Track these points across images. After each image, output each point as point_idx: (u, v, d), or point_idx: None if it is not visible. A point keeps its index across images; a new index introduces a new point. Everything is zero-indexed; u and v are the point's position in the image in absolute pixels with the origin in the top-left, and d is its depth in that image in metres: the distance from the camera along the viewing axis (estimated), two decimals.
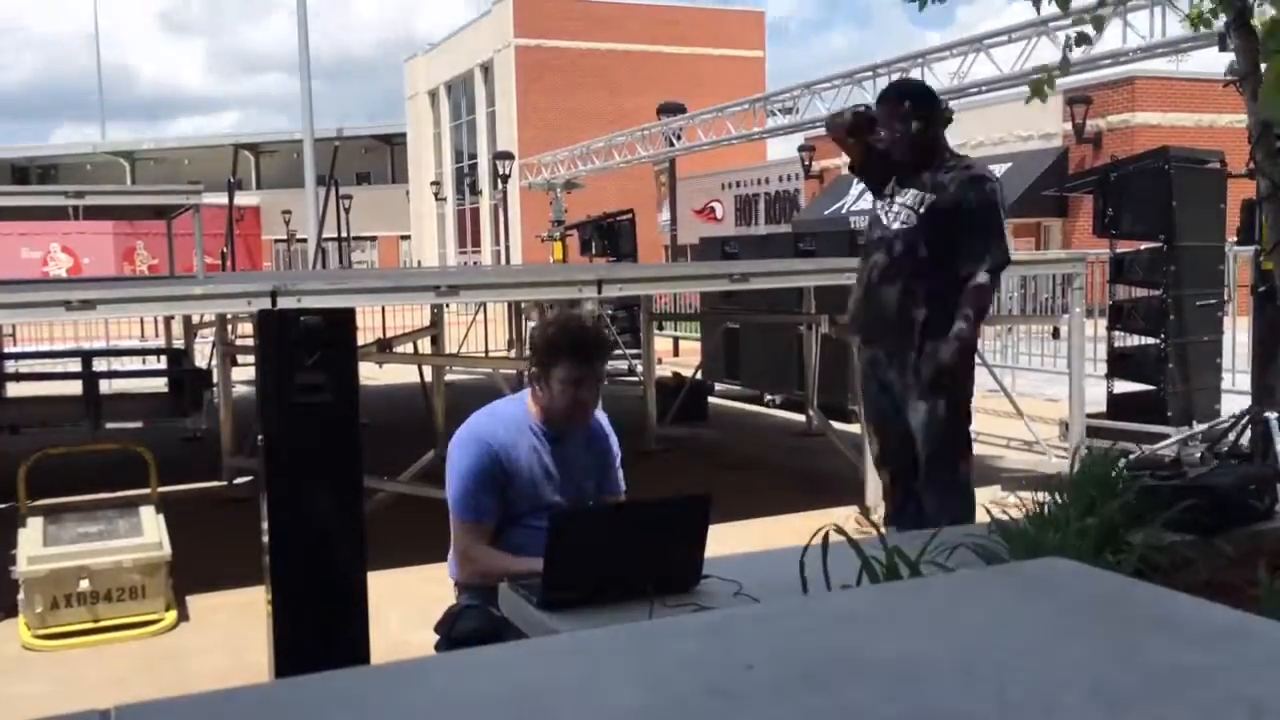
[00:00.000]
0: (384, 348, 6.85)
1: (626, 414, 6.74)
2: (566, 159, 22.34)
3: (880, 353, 4.04)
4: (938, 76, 12.51)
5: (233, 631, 4.42)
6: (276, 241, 39.65)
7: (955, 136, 18.49)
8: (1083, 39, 4.33)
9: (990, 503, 3.37)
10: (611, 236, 14.35)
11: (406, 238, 45.09)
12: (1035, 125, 20.80)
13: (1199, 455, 5.25)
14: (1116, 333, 7.67)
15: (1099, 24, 4.33)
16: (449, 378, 8.32)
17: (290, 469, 3.21)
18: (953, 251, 3.87)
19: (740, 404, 10.64)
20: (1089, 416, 6.91)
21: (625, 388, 10.59)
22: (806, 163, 27.33)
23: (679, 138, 18.55)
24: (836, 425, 7.57)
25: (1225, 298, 8.78)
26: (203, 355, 9.27)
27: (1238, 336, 8.90)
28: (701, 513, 2.75)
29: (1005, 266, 4.01)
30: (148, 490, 5.24)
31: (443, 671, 1.21)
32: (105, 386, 7.86)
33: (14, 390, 9.21)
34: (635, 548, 2.68)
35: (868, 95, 13.63)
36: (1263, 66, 3.30)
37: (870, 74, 13.38)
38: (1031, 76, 10.70)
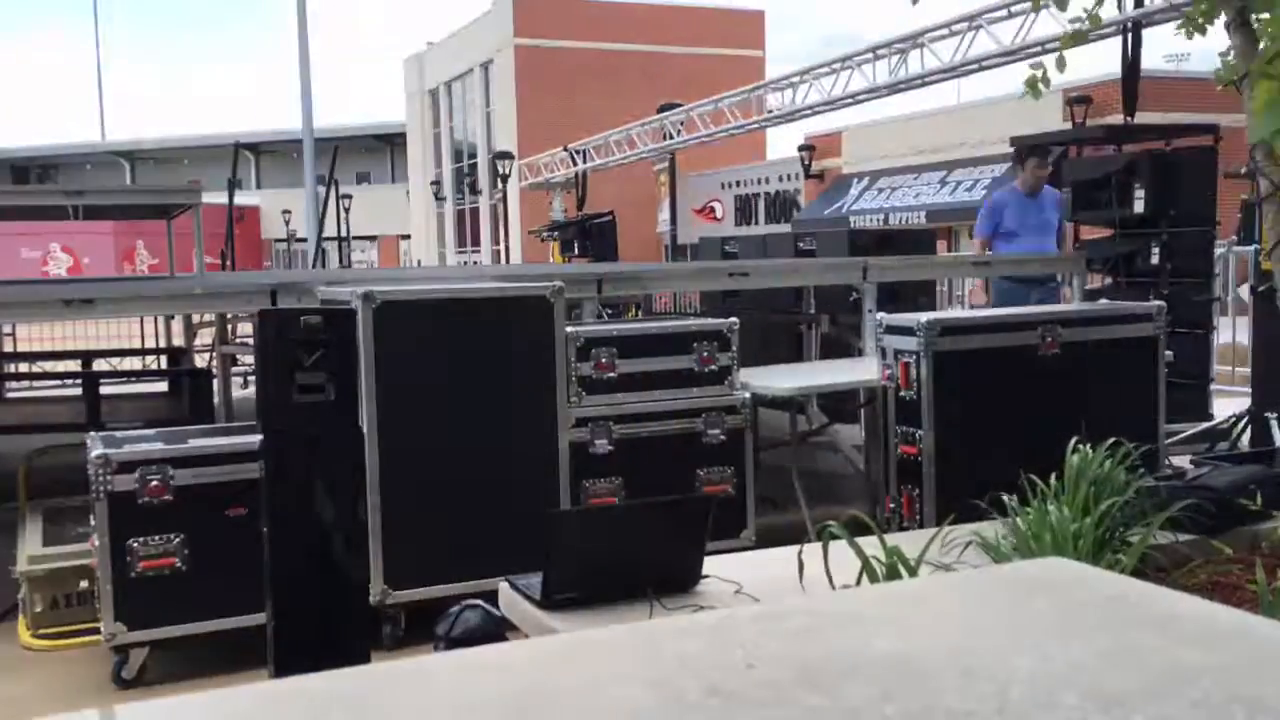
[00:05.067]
0: None
1: None
2: (564, 158, 22.32)
3: None
4: (938, 56, 12.38)
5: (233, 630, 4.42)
6: (276, 241, 39.65)
7: (955, 136, 18.53)
8: (1079, 38, 4.33)
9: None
10: (592, 238, 14.34)
11: (406, 237, 45.08)
12: (1035, 125, 20.78)
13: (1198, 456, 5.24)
14: None
15: (1095, 22, 4.33)
16: None
17: (290, 469, 3.21)
18: None
19: None
20: None
21: None
22: (806, 162, 27.33)
23: (678, 131, 18.50)
24: (837, 425, 7.56)
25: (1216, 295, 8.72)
26: (203, 358, 9.26)
27: (1236, 337, 8.89)
28: (702, 513, 2.75)
29: None
30: None
31: (443, 671, 1.21)
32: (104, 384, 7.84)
33: (14, 390, 9.20)
34: (636, 548, 2.69)
35: (866, 79, 13.49)
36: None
37: (870, 56, 13.25)
38: (1032, 49, 10.63)
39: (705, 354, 4.87)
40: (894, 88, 13.10)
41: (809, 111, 15.12)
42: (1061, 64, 4.42)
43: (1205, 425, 6.85)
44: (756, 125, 17.33)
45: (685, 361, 4.85)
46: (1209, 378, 7.21)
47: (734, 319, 4.99)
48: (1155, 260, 6.74)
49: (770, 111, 16.10)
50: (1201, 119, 7.50)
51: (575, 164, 21.80)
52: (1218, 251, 10.27)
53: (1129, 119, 7.38)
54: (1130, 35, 7.40)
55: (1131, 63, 7.33)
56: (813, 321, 7.75)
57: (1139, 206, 6.78)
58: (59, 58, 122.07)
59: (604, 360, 4.68)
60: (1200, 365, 6.99)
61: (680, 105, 19.37)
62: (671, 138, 18.86)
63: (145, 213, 11.15)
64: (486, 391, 4.38)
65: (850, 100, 14.01)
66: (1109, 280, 7.11)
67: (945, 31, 12.11)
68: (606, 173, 21.77)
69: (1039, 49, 10.65)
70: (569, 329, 4.61)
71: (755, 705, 1.03)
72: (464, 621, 3.07)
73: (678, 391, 4.83)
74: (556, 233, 16.09)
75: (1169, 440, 6.51)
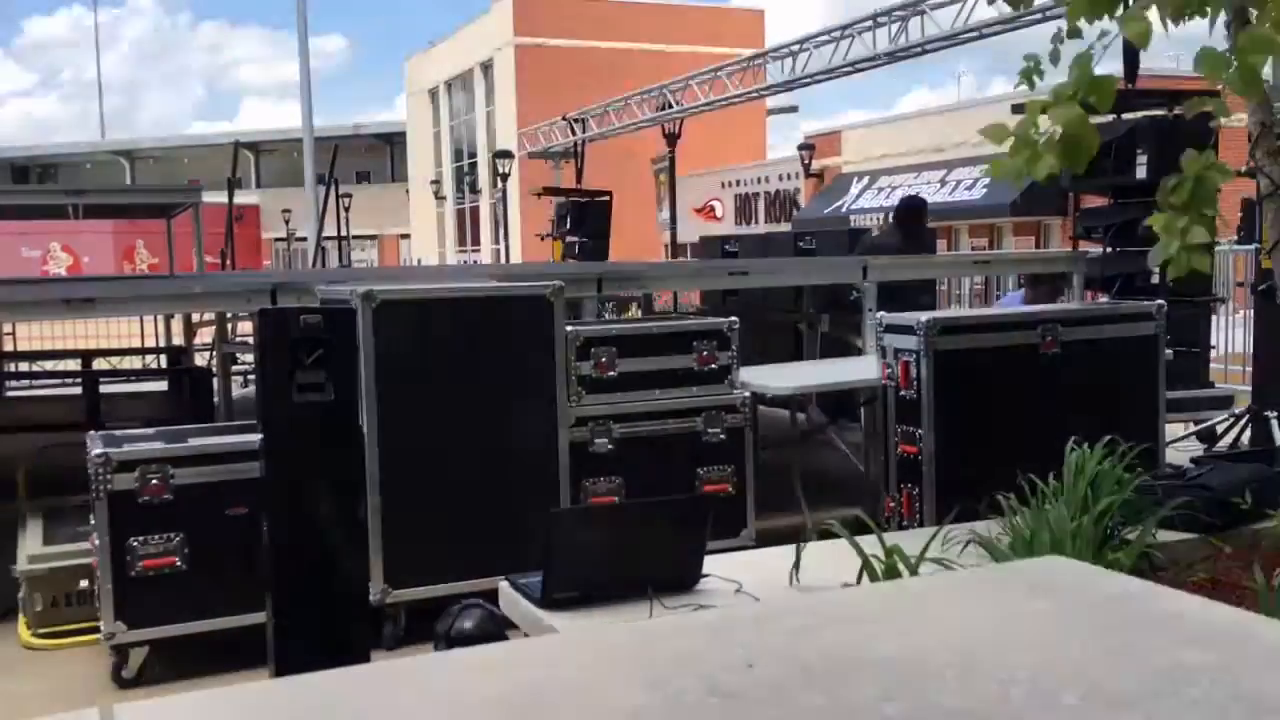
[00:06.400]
0: None
1: None
2: (563, 127, 22.38)
3: None
4: (938, 23, 12.28)
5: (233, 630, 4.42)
6: (276, 240, 39.62)
7: (956, 136, 18.28)
8: (1074, 33, 4.30)
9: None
10: (587, 216, 14.13)
11: (406, 237, 45.08)
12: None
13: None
14: None
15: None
16: None
17: (290, 469, 3.21)
18: None
19: None
20: None
21: None
22: (806, 161, 27.32)
23: (678, 101, 18.41)
24: (837, 425, 7.55)
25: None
26: (203, 358, 9.25)
27: (1235, 334, 8.89)
28: (702, 514, 2.75)
29: None
30: None
31: (443, 671, 1.21)
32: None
33: (14, 390, 9.19)
34: (636, 548, 2.69)
35: (866, 48, 13.38)
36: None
37: (870, 24, 13.13)
38: (1033, 15, 10.55)
39: (705, 353, 4.87)
40: (894, 55, 12.98)
41: (809, 80, 14.92)
42: (1056, 57, 4.38)
43: (1204, 425, 6.82)
44: (757, 94, 17.22)
45: (685, 361, 4.85)
46: (1207, 345, 7.09)
47: (734, 318, 4.99)
48: None
49: (769, 80, 15.98)
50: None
51: (574, 134, 21.79)
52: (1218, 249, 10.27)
53: (1130, 85, 7.27)
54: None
55: None
56: (813, 321, 7.75)
57: (1140, 173, 6.61)
58: (58, 57, 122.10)
59: (604, 360, 4.68)
60: (1197, 333, 6.86)
61: (680, 105, 19.34)
62: (670, 107, 18.76)
63: (145, 212, 11.18)
64: (486, 391, 4.37)
65: (850, 69, 13.86)
66: (1106, 249, 6.99)
67: None
68: (606, 173, 21.73)
69: (1040, 16, 10.59)
70: (568, 328, 4.61)
71: (755, 705, 1.03)
72: (464, 621, 3.07)
73: (677, 391, 4.83)
74: (554, 215, 15.97)
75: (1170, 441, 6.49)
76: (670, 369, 4.82)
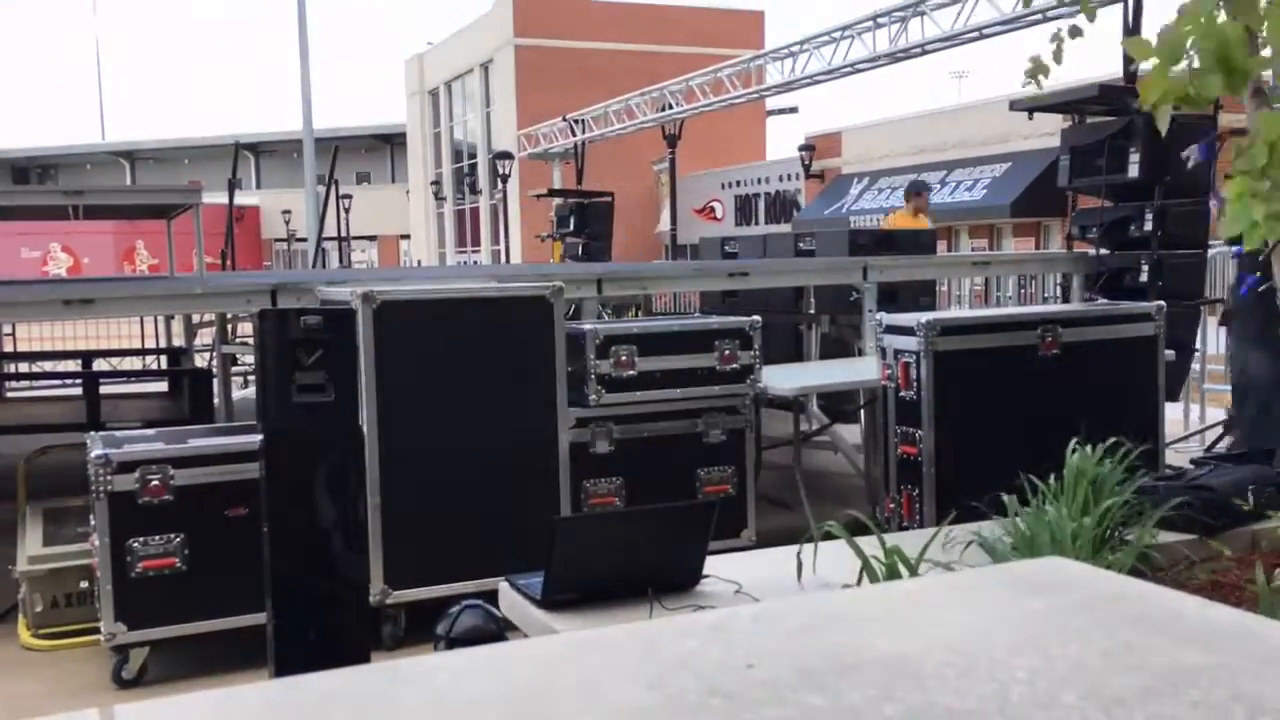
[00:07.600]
0: None
1: None
2: (563, 128, 22.40)
3: None
4: (939, 24, 12.29)
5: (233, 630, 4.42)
6: (276, 241, 39.64)
7: (955, 136, 18.22)
8: (1075, 32, 4.31)
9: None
10: (589, 217, 14.13)
11: (406, 237, 45.08)
12: (1035, 125, 20.78)
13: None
14: None
15: (1090, 15, 4.30)
16: None
17: (290, 469, 3.21)
18: None
19: None
20: None
21: None
22: (807, 162, 27.32)
23: (678, 102, 18.45)
24: (837, 425, 7.56)
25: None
26: (203, 358, 9.26)
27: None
28: (706, 518, 2.75)
29: None
30: None
31: (443, 671, 1.21)
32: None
33: (14, 390, 9.20)
34: (638, 552, 2.69)
35: (866, 48, 13.43)
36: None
37: (871, 24, 13.15)
38: (1033, 14, 10.53)
39: (727, 352, 4.85)
40: (894, 56, 12.99)
41: (809, 81, 14.93)
42: (1059, 55, 4.37)
43: (1202, 427, 6.79)
44: (756, 94, 17.25)
45: (707, 360, 4.83)
46: (1190, 353, 6.88)
47: (757, 317, 4.96)
48: (1149, 226, 6.48)
49: (769, 81, 16.01)
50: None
51: (574, 134, 21.81)
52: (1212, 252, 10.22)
53: (1129, 84, 7.22)
54: None
55: (1133, 27, 7.24)
56: (813, 321, 7.75)
57: (1133, 171, 6.55)
58: (59, 58, 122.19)
59: (624, 358, 4.68)
60: (1180, 339, 6.62)
61: (680, 106, 19.37)
62: (670, 108, 18.79)
63: (145, 213, 11.14)
64: (486, 391, 4.38)
65: (850, 69, 13.89)
66: (1100, 250, 6.91)
67: None
68: (606, 173, 21.77)
69: (1040, 17, 10.59)
70: (587, 326, 4.64)
71: (755, 705, 1.03)
72: (464, 621, 3.06)
73: (699, 390, 4.81)
74: (555, 217, 15.99)
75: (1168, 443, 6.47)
76: (692, 368, 4.80)
